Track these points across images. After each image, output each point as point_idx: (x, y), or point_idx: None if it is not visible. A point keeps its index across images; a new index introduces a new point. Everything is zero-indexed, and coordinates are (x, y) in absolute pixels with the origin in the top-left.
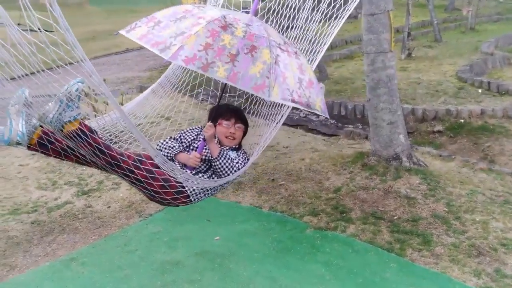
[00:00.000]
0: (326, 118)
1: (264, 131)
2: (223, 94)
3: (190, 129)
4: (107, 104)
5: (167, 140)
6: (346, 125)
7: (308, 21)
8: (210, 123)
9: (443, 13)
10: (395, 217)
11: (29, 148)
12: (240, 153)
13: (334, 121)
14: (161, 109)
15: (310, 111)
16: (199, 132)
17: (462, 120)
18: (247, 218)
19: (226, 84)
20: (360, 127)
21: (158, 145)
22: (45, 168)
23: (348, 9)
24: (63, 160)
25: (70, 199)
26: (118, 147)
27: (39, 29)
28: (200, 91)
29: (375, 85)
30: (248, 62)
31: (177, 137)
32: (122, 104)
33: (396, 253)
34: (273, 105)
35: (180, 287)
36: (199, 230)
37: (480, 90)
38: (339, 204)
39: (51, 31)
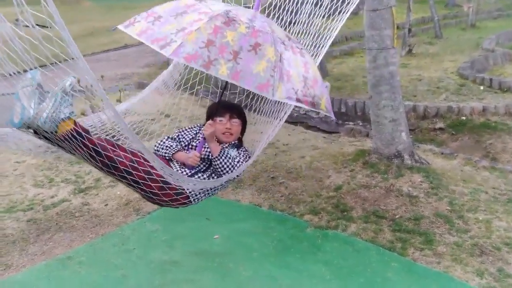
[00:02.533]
0: (329, 117)
1: (266, 128)
2: (224, 92)
3: (189, 128)
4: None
5: (164, 140)
6: (347, 122)
7: (312, 15)
8: (210, 122)
9: (443, 9)
10: (397, 216)
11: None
12: (241, 151)
13: (334, 118)
14: (162, 106)
15: (315, 110)
16: (198, 131)
17: (464, 117)
18: (247, 217)
19: (223, 92)
20: (361, 124)
21: (155, 145)
22: (42, 165)
23: (352, 3)
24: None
25: (67, 197)
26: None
27: (32, 25)
28: (200, 88)
29: (377, 82)
30: (251, 60)
31: (175, 136)
32: (120, 101)
33: (397, 252)
34: (275, 103)
35: (178, 287)
36: (198, 228)
37: (481, 87)
38: (340, 202)
39: (46, 27)
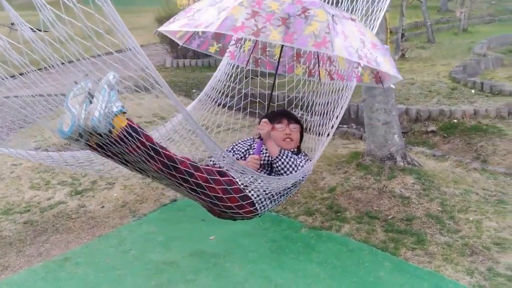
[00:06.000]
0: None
1: (318, 135)
2: (271, 104)
3: (243, 141)
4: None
5: None
6: (341, 125)
7: (350, 11)
8: (265, 119)
9: (436, 14)
10: (390, 217)
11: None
12: (301, 155)
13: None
14: (206, 121)
15: (381, 70)
16: (252, 143)
17: (456, 120)
18: None
19: (272, 93)
20: (354, 127)
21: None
22: (38, 167)
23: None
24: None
25: (63, 199)
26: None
27: (35, 30)
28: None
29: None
30: (302, 23)
31: (230, 149)
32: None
33: (390, 252)
34: (324, 113)
35: (175, 287)
36: (194, 230)
37: (473, 91)
38: (334, 203)
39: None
